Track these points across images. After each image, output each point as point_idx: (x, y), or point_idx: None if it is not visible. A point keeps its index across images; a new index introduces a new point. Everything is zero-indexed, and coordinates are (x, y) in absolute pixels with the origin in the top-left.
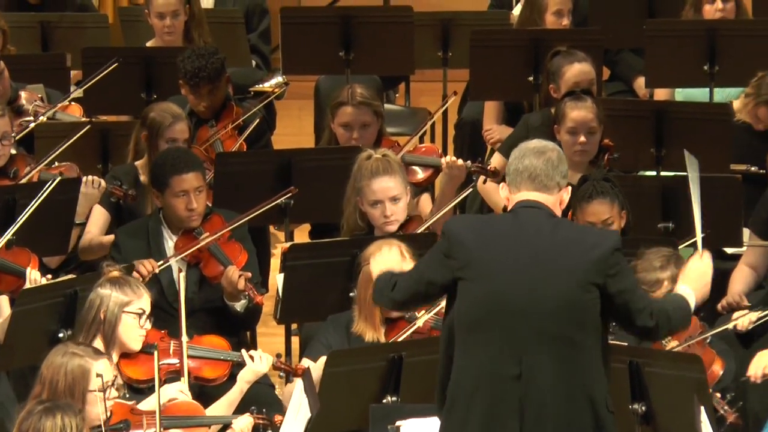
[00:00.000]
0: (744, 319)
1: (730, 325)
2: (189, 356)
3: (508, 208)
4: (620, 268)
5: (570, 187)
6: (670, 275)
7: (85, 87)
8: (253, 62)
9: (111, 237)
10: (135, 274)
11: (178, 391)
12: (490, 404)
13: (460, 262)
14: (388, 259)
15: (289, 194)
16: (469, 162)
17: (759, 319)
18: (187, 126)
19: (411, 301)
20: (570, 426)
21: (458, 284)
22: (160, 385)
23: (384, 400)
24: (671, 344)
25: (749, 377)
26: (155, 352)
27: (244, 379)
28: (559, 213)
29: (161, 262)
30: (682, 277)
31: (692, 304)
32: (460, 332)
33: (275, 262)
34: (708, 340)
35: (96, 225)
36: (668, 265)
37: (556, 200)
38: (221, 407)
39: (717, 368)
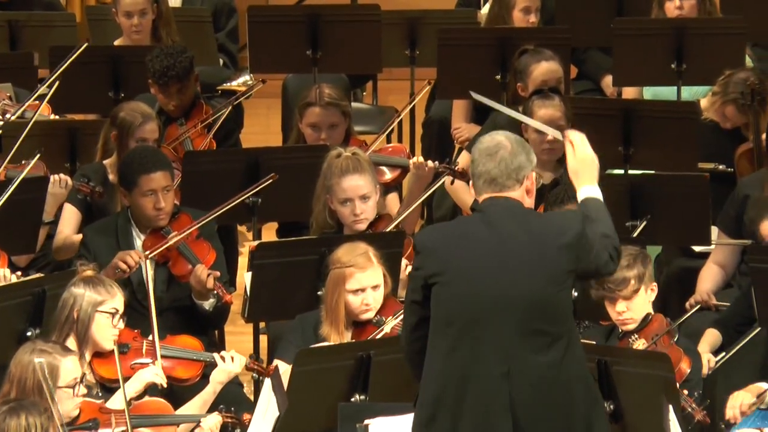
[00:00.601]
0: (704, 366)
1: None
2: (162, 356)
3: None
4: (587, 246)
5: (534, 174)
6: (637, 274)
7: (56, 73)
8: (221, 61)
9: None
10: (121, 264)
11: (154, 375)
12: (482, 405)
13: (432, 268)
14: None
15: (270, 180)
16: (436, 162)
17: (718, 362)
18: (157, 126)
19: (414, 336)
20: (564, 416)
21: (432, 289)
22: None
23: (352, 399)
24: (638, 342)
25: (729, 420)
26: (116, 352)
27: (217, 379)
28: (529, 203)
29: (147, 252)
30: (573, 177)
31: (600, 195)
32: (437, 336)
33: (243, 261)
34: (675, 338)
35: (68, 224)
36: (635, 264)
37: (522, 193)
38: (194, 407)
39: (684, 366)
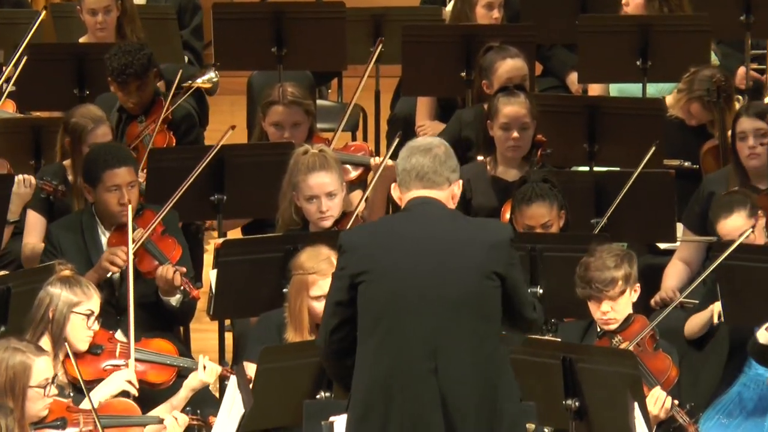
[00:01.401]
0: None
1: (716, 320)
2: (136, 359)
3: (401, 208)
4: (516, 259)
5: (461, 181)
6: (624, 274)
7: (14, 60)
8: (186, 58)
9: None
10: (111, 267)
11: (125, 382)
12: (412, 402)
13: (358, 266)
14: None
15: (228, 131)
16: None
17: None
18: (109, 128)
19: (334, 338)
20: (489, 415)
21: (359, 288)
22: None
23: (317, 396)
24: (622, 345)
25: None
26: (71, 355)
27: (190, 386)
28: (452, 207)
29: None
30: None
31: None
32: (365, 334)
33: (208, 258)
34: (657, 342)
35: (34, 233)
36: (622, 264)
37: (448, 195)
38: (164, 411)
39: (673, 374)
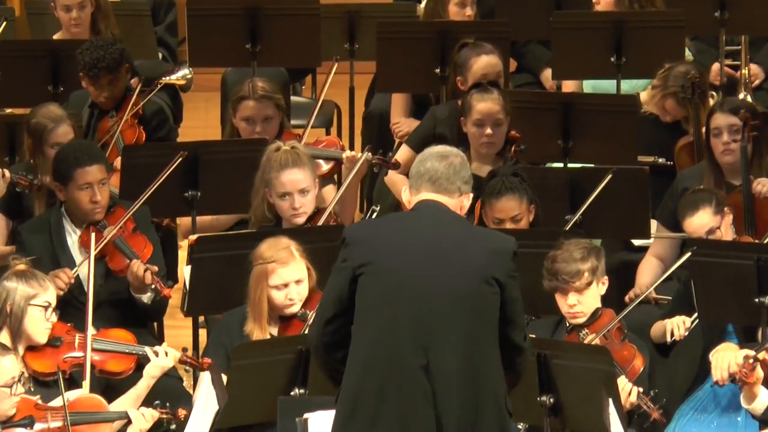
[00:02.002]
0: (679, 328)
1: (668, 339)
2: (94, 349)
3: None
4: (516, 275)
5: (471, 195)
6: (591, 267)
7: None
8: (160, 55)
9: (12, 248)
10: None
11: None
12: (402, 397)
13: (360, 258)
14: None
15: (180, 158)
16: (369, 154)
17: (692, 323)
18: (70, 126)
19: (327, 329)
20: (473, 413)
21: (358, 281)
22: (64, 378)
23: (292, 393)
24: (589, 338)
25: (717, 383)
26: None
27: (150, 374)
28: None
29: (74, 270)
30: None
31: None
32: (361, 327)
33: (183, 255)
34: (624, 334)
35: None
36: (589, 257)
37: (457, 204)
38: (127, 401)
39: (638, 363)
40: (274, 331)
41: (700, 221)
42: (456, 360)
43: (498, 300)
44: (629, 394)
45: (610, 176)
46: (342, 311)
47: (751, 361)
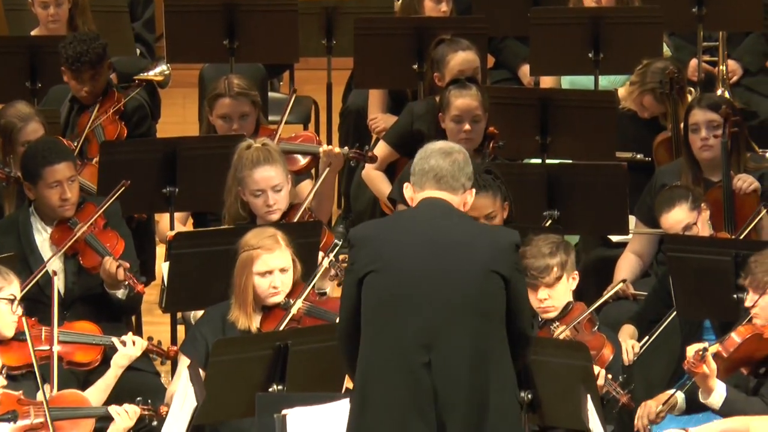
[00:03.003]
0: (628, 353)
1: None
2: (60, 341)
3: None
4: (521, 268)
5: (474, 190)
6: (559, 261)
7: None
8: (138, 51)
9: None
10: None
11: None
12: (405, 394)
13: (366, 258)
14: None
15: (122, 188)
16: (346, 148)
17: (642, 346)
18: (39, 124)
19: (348, 333)
20: (480, 413)
21: (364, 281)
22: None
23: (270, 389)
24: (560, 329)
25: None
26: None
27: (118, 363)
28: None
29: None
30: None
31: None
32: (367, 324)
33: (161, 251)
34: (596, 326)
35: None
36: (557, 252)
37: (461, 201)
38: (97, 391)
39: (607, 352)
40: (257, 319)
41: (677, 217)
42: (462, 358)
43: (504, 295)
44: (597, 377)
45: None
46: (358, 306)
47: (701, 352)
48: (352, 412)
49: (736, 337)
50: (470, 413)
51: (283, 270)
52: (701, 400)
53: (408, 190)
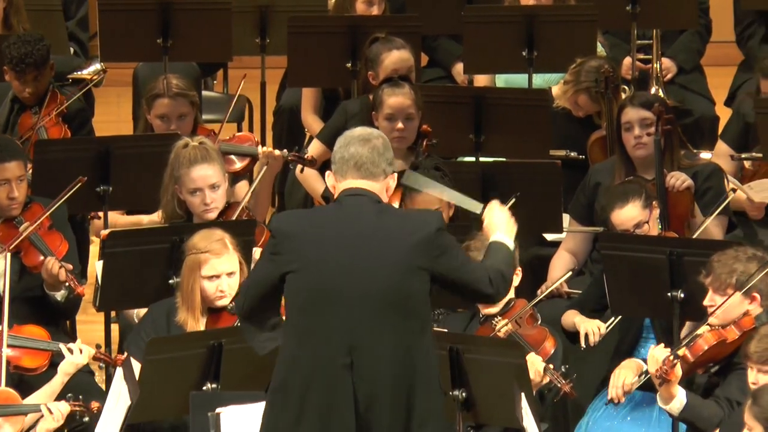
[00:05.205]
0: (594, 334)
1: (583, 344)
2: (9, 345)
3: (335, 196)
4: (445, 248)
5: (396, 174)
6: None
7: None
8: (71, 49)
9: None
10: None
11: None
12: (325, 395)
13: (288, 255)
14: None
15: (79, 184)
16: (285, 151)
17: (608, 327)
18: None
19: (252, 306)
20: (404, 412)
21: (287, 279)
22: None
23: (204, 388)
24: (501, 323)
25: (612, 400)
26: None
27: (64, 370)
28: (386, 199)
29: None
30: (491, 229)
31: (511, 245)
32: (289, 325)
33: (94, 250)
34: (538, 321)
35: None
36: None
37: (383, 187)
38: (41, 397)
39: (549, 345)
40: (203, 322)
41: (629, 214)
42: (382, 357)
43: (427, 289)
44: (538, 368)
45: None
46: (269, 291)
47: (671, 358)
48: (269, 411)
49: (703, 343)
50: (395, 415)
51: (230, 274)
52: (660, 405)
53: (330, 178)
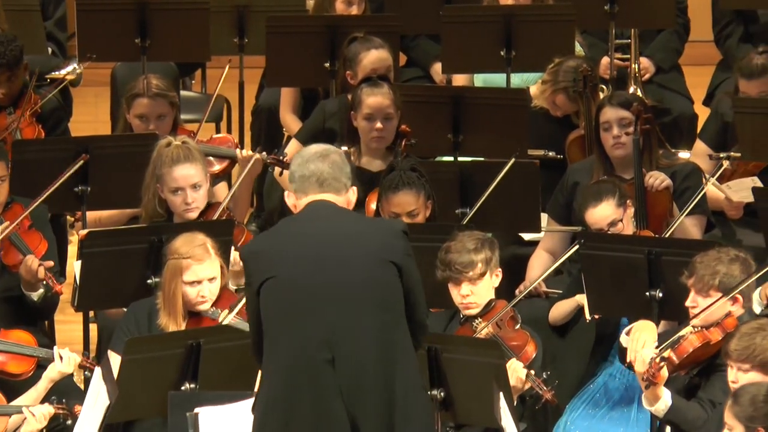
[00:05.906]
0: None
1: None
2: None
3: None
4: (411, 253)
5: (355, 188)
6: (484, 258)
7: None
8: (49, 49)
9: None
10: None
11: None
12: (313, 392)
13: (259, 269)
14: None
15: (82, 161)
16: (264, 153)
17: None
18: None
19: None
20: (388, 406)
21: (262, 288)
22: None
23: (182, 387)
24: (482, 324)
25: (631, 363)
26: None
27: (49, 377)
28: None
29: None
30: None
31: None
32: (269, 329)
33: (73, 249)
34: (518, 323)
35: None
36: (482, 248)
37: (345, 200)
38: (26, 401)
39: (530, 349)
40: (184, 326)
41: (603, 213)
42: (363, 352)
43: (399, 284)
44: (519, 374)
45: (513, 161)
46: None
47: (657, 360)
48: (257, 419)
49: (688, 345)
50: (379, 407)
51: (211, 279)
52: (645, 407)
53: (290, 198)
